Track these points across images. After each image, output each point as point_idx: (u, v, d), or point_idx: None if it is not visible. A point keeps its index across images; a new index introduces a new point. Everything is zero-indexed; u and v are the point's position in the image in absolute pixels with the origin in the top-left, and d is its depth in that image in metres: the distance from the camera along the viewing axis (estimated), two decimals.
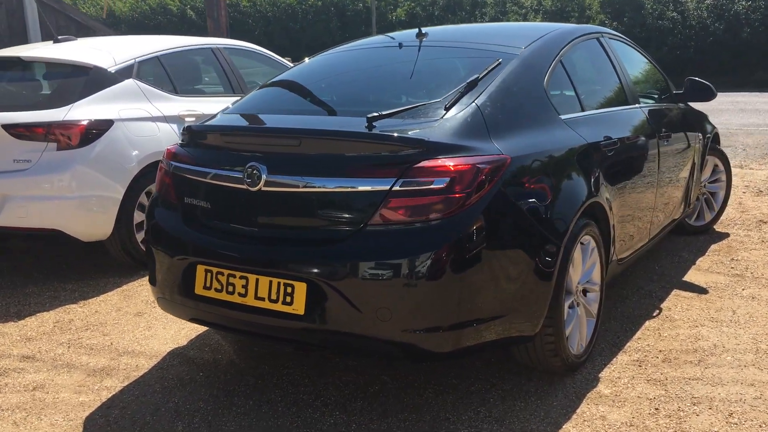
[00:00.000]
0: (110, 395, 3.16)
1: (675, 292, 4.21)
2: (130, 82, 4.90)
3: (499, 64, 3.14)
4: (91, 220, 4.54)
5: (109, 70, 4.83)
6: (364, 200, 2.62)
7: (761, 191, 6.72)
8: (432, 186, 2.56)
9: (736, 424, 2.79)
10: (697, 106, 5.42)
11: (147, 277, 4.03)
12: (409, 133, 2.69)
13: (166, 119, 4.93)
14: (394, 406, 2.97)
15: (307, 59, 3.97)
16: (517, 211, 2.76)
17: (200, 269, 2.89)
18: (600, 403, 2.97)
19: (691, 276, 4.49)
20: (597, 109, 3.76)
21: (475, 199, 2.60)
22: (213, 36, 11.20)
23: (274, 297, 2.72)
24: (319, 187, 2.67)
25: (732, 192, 6.33)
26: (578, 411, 2.90)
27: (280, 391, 3.12)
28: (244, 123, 3.27)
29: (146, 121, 4.83)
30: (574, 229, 2.98)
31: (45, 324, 3.99)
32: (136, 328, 3.89)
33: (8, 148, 4.38)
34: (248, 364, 3.40)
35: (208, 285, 2.87)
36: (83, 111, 4.53)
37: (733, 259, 4.79)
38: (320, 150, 2.75)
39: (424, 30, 3.67)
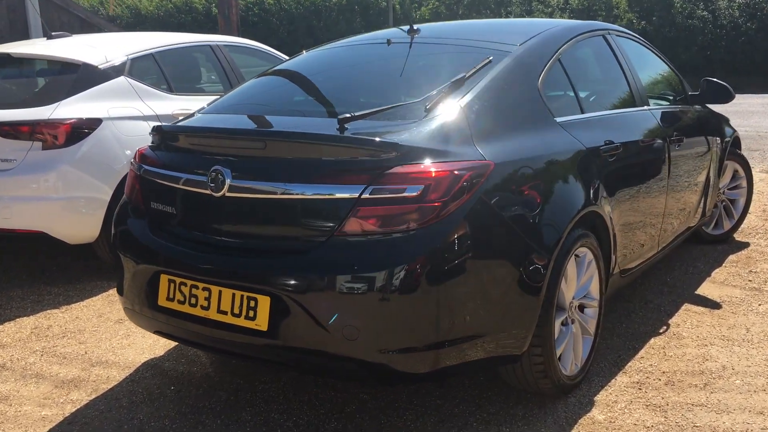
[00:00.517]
0: (74, 409, 3.00)
1: (685, 306, 3.94)
2: (121, 80, 4.74)
3: (490, 62, 2.91)
4: (77, 222, 4.40)
5: (99, 67, 4.67)
6: (332, 208, 2.41)
7: None
8: (404, 194, 2.36)
9: None
10: (717, 108, 5.15)
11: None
12: (383, 136, 2.48)
13: (158, 118, 4.76)
14: (370, 429, 2.77)
15: (304, 51, 3.77)
16: (502, 222, 2.54)
17: (164, 279, 2.72)
18: (593, 430, 2.73)
19: (705, 289, 4.21)
20: (599, 111, 3.51)
21: (453, 208, 2.39)
22: (224, 34, 11.07)
23: (236, 311, 2.53)
24: (284, 194, 2.47)
25: (757, 198, 6.02)
26: None
27: (252, 409, 2.93)
28: (214, 124, 3.06)
29: (137, 120, 4.66)
30: (567, 240, 2.75)
31: (22, 330, 3.85)
32: (114, 336, 3.73)
33: None
34: (222, 378, 3.22)
35: (171, 296, 2.69)
36: (70, 109, 4.38)
37: (751, 271, 4.50)
38: (286, 154, 2.55)
39: (416, 26, 3.45)
